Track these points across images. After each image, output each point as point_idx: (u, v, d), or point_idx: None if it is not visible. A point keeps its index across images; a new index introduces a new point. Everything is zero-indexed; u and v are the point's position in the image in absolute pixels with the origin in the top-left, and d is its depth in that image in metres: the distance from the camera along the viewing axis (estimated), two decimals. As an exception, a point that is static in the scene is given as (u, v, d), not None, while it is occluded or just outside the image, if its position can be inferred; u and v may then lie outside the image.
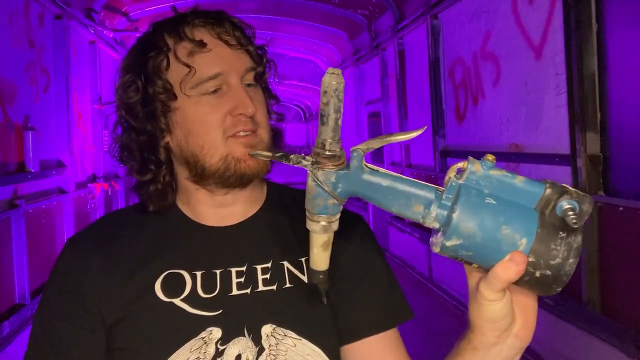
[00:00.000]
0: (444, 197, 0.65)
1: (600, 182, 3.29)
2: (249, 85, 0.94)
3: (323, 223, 0.71)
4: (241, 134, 0.90)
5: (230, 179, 0.91)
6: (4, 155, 3.97)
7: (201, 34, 0.92)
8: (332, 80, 0.62)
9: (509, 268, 0.62)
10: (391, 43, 7.20)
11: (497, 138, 4.60)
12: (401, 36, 6.89)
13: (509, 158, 4.38)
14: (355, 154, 0.67)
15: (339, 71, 0.62)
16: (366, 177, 0.68)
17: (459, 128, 5.43)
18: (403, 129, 7.04)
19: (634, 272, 3.04)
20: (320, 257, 0.75)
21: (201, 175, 0.92)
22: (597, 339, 3.24)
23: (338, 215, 0.72)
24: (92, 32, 6.25)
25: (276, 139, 1.00)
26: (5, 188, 3.90)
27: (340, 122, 0.65)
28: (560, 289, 0.64)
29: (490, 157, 0.65)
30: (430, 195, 0.66)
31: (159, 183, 0.95)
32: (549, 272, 0.62)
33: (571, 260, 0.62)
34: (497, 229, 0.62)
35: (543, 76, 3.84)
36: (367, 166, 0.68)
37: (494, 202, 0.63)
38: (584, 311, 3.37)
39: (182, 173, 0.96)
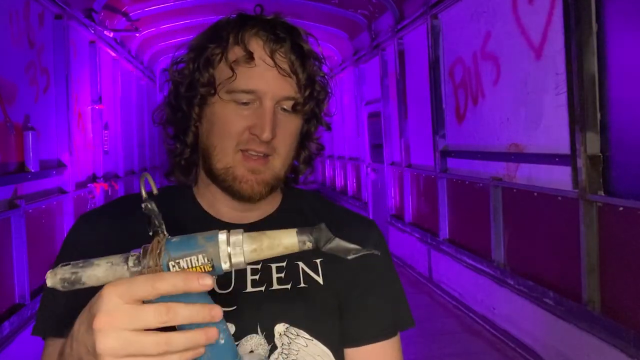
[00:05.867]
0: None
1: (600, 182, 3.28)
2: (285, 110, 0.93)
3: None
4: (252, 153, 0.91)
5: (229, 190, 0.92)
6: (4, 155, 3.97)
7: (256, 45, 0.91)
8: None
9: None
10: (391, 43, 7.20)
11: (497, 138, 4.60)
12: (401, 36, 6.89)
13: (509, 158, 4.38)
14: None
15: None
16: None
17: (459, 128, 5.43)
18: (403, 129, 7.05)
19: (634, 272, 3.04)
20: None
21: (209, 173, 0.94)
22: (597, 339, 3.24)
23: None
24: (92, 32, 6.26)
25: (297, 171, 1.01)
26: (5, 188, 3.90)
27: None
28: None
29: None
30: None
31: (182, 160, 0.97)
32: None
33: None
34: None
35: (543, 76, 3.84)
36: None
37: None
38: (584, 311, 3.37)
39: (202, 162, 0.97)
